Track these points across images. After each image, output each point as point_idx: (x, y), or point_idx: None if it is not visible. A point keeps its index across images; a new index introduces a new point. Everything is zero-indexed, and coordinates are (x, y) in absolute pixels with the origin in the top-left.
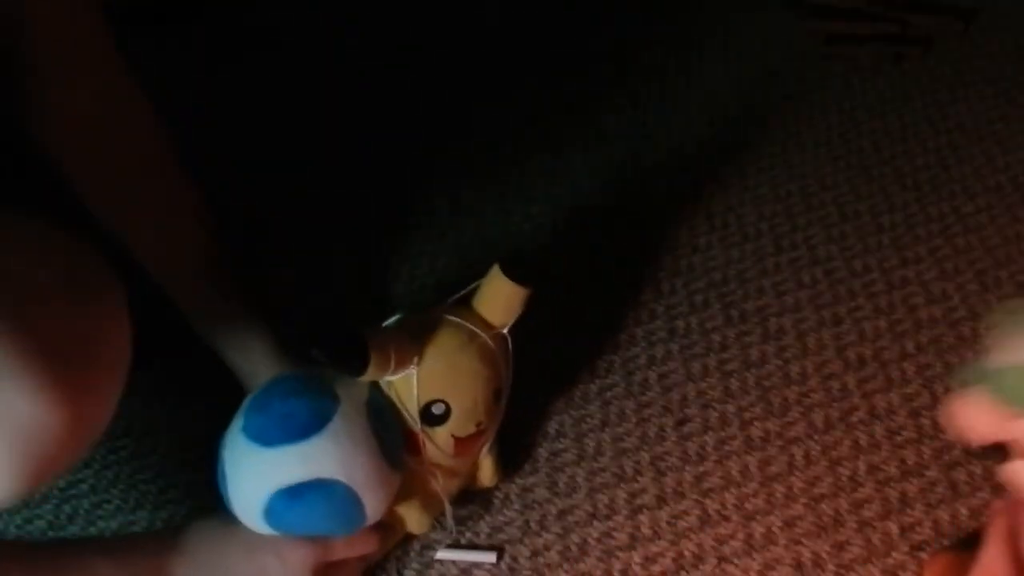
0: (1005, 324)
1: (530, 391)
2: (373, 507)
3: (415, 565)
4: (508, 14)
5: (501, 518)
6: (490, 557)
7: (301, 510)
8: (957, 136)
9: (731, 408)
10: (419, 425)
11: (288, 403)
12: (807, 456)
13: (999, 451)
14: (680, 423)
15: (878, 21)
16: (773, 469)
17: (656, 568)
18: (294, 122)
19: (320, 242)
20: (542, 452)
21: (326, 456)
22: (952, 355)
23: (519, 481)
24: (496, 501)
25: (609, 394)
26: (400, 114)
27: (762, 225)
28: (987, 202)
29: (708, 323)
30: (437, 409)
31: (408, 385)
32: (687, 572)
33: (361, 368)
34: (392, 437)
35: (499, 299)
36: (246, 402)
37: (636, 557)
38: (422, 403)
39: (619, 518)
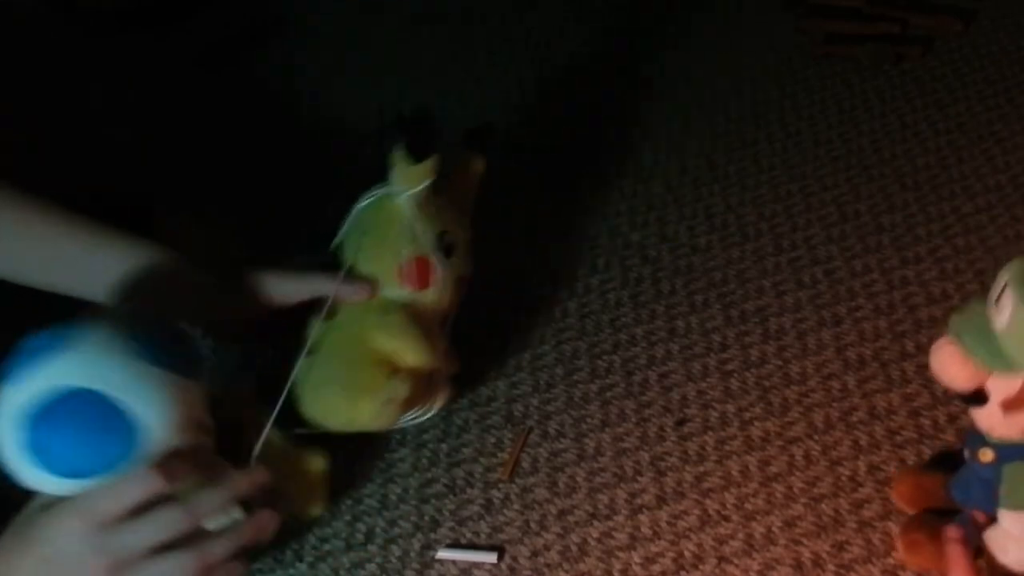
0: (1003, 283)
1: (530, 392)
2: (147, 418)
3: (415, 565)
4: (511, 10)
5: (501, 518)
6: (490, 557)
7: (58, 431)
8: (957, 136)
9: (731, 408)
10: (434, 250)
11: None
12: (807, 456)
13: (975, 397)
14: (680, 423)
15: (878, 21)
16: (773, 469)
17: (656, 568)
18: (294, 120)
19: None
20: (542, 452)
21: (74, 366)
22: None
23: (519, 481)
24: (496, 501)
25: (609, 394)
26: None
27: (762, 225)
28: (987, 202)
29: (708, 323)
30: (448, 240)
31: (431, 206)
32: (687, 572)
33: (429, 151)
34: (158, 337)
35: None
36: None
37: (636, 557)
38: (438, 230)
39: (619, 518)
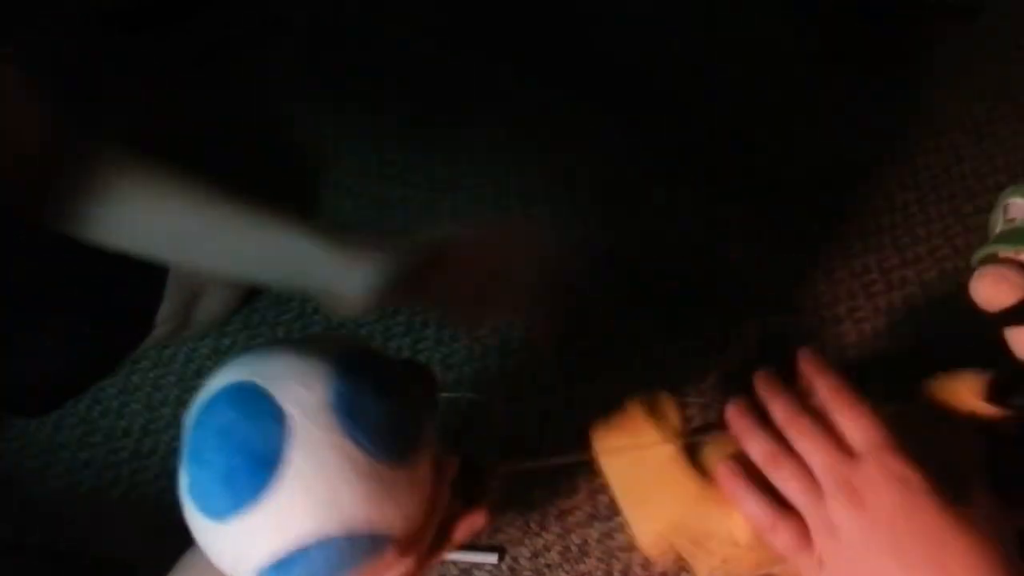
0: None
1: (530, 391)
2: (393, 525)
3: None
4: (504, 8)
5: (502, 518)
6: (491, 558)
7: (310, 564)
8: (957, 136)
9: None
10: None
11: (224, 452)
12: None
13: (1014, 314)
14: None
15: (879, 21)
16: None
17: (656, 568)
18: (289, 121)
19: None
20: (543, 452)
21: (295, 512)
22: None
23: (519, 481)
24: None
25: (609, 394)
26: (398, 114)
27: (762, 225)
28: (987, 202)
29: (708, 323)
30: None
31: None
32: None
33: None
34: (383, 423)
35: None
36: (183, 434)
37: (636, 557)
38: None
39: (619, 519)
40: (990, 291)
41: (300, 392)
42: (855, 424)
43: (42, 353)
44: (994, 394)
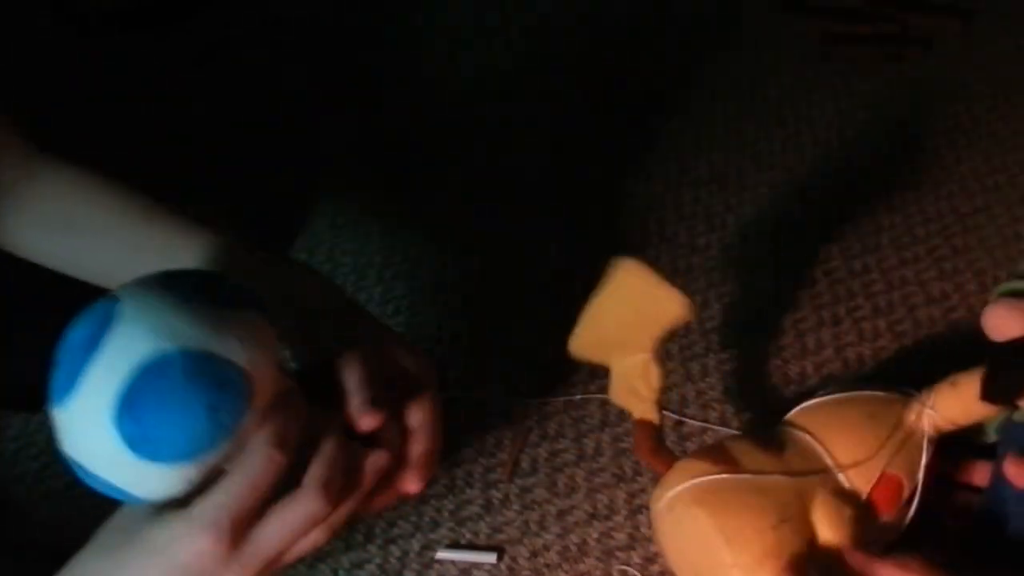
0: None
1: (530, 391)
2: (239, 357)
3: (415, 565)
4: (501, 8)
5: (501, 518)
6: (490, 557)
7: (152, 412)
8: (957, 136)
9: (730, 408)
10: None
11: (62, 349)
12: None
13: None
14: (679, 423)
15: (878, 21)
16: None
17: (656, 568)
18: (289, 119)
19: (313, 243)
20: (542, 452)
21: (125, 345)
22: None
23: (519, 481)
24: (496, 501)
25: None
26: (398, 113)
27: (762, 225)
28: (986, 202)
29: (708, 323)
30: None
31: None
32: None
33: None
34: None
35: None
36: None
37: (636, 557)
38: None
39: (618, 518)
40: (998, 321)
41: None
42: None
43: (41, 350)
44: (988, 392)
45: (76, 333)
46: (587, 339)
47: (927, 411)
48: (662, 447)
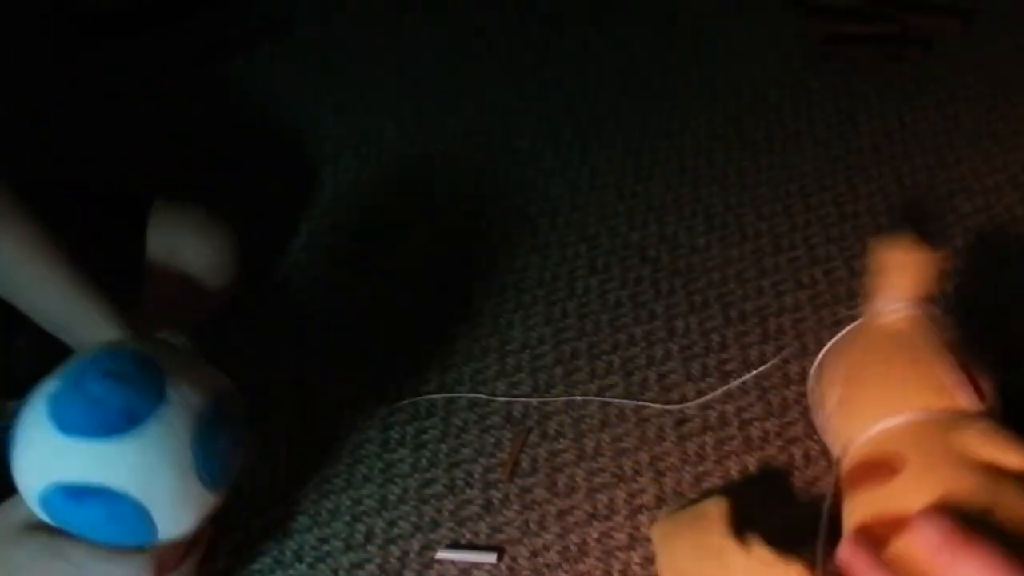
0: None
1: (530, 392)
2: (167, 526)
3: (415, 565)
4: (509, 12)
5: (501, 518)
6: (490, 557)
7: (79, 513)
8: (956, 136)
9: (730, 408)
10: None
11: (104, 386)
12: (806, 456)
13: None
14: (679, 423)
15: (878, 21)
16: (773, 469)
17: (655, 568)
18: (287, 121)
19: (313, 243)
20: (541, 452)
21: (122, 465)
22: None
23: (519, 481)
24: (496, 501)
25: (609, 394)
26: (396, 113)
27: (761, 225)
28: (986, 202)
29: (707, 323)
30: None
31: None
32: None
33: None
34: (219, 455)
35: None
36: (68, 363)
37: (636, 557)
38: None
39: (618, 518)
40: None
41: (188, 387)
42: None
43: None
44: None
45: (117, 400)
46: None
47: None
48: None
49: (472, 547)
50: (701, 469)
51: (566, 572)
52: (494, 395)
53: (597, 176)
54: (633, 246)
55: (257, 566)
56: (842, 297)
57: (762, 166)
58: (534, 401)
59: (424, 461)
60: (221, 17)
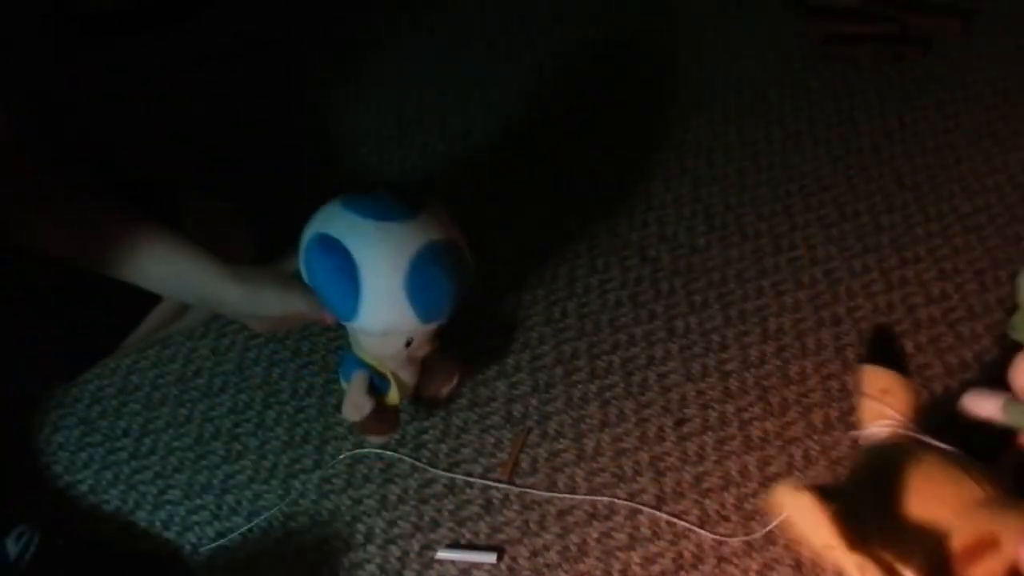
0: None
1: (530, 392)
2: (366, 312)
3: (415, 565)
4: (510, 12)
5: (501, 518)
6: (490, 557)
7: (320, 258)
8: (956, 136)
9: (730, 408)
10: None
11: (376, 194)
12: (806, 456)
13: None
14: (679, 423)
15: (878, 21)
16: (772, 469)
17: (655, 568)
18: (287, 121)
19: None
20: (542, 452)
21: (360, 236)
22: (951, 355)
23: (519, 481)
24: (496, 501)
25: (608, 394)
26: (396, 113)
27: (761, 225)
28: (986, 202)
29: (707, 323)
30: None
31: None
32: (686, 572)
33: None
34: (430, 283)
35: None
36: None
37: (635, 557)
38: None
39: (619, 518)
40: None
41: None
42: None
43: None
44: None
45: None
46: None
47: None
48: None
49: (472, 547)
50: (701, 469)
51: (566, 572)
52: (494, 395)
53: (597, 176)
54: (633, 246)
55: (257, 566)
56: (842, 297)
57: (762, 166)
58: (534, 401)
59: (424, 461)
60: (221, 17)
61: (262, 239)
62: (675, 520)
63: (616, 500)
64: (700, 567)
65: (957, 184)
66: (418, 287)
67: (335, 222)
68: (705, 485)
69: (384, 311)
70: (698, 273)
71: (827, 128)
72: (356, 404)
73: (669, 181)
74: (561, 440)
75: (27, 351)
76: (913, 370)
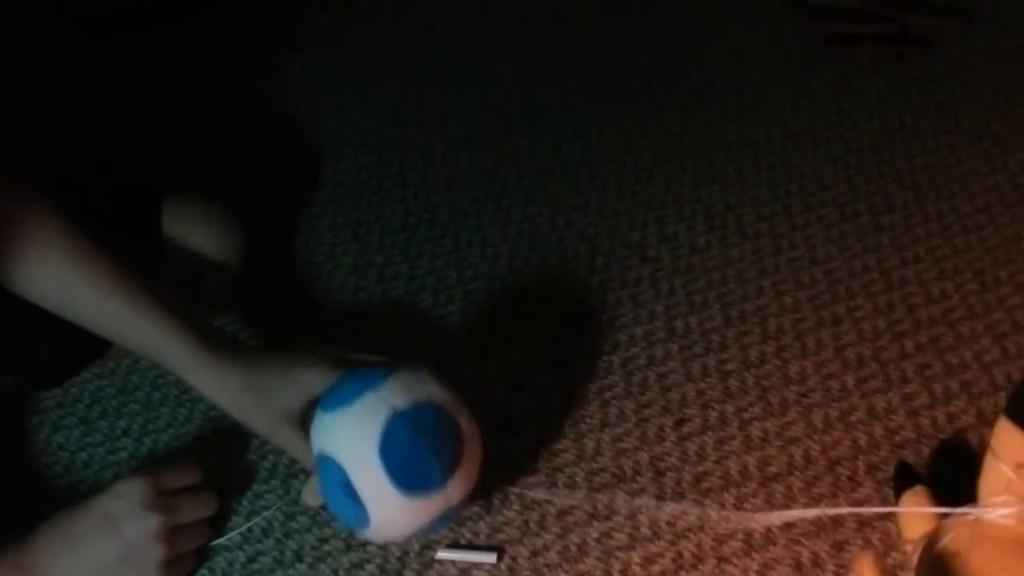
0: None
1: (530, 391)
2: (373, 510)
3: (415, 565)
4: (509, 11)
5: (501, 518)
6: (490, 557)
7: (322, 474)
8: (956, 136)
9: (730, 408)
10: None
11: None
12: (806, 456)
13: None
14: (679, 423)
15: (878, 21)
16: (772, 469)
17: (655, 568)
18: (287, 121)
19: (313, 243)
20: (542, 452)
21: (329, 434)
22: (951, 355)
23: (519, 481)
24: (496, 501)
25: (608, 394)
26: (396, 113)
27: (761, 225)
28: (986, 202)
29: (707, 323)
30: None
31: None
32: (686, 572)
33: None
34: (407, 452)
35: None
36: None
37: (635, 557)
38: None
39: (618, 518)
40: None
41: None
42: None
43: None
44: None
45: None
46: None
47: None
48: None
49: (472, 547)
50: (701, 469)
51: (566, 572)
52: (493, 396)
53: (597, 176)
54: (633, 246)
55: (257, 566)
56: (842, 297)
57: (762, 166)
58: (534, 402)
59: None
60: (221, 17)
61: (262, 239)
62: (675, 520)
63: (616, 500)
64: (700, 567)
65: (957, 184)
66: (398, 462)
67: (319, 432)
68: (705, 485)
69: (389, 515)
70: (698, 273)
71: (827, 128)
72: (316, 491)
73: (669, 181)
74: (561, 440)
75: (18, 351)
76: (913, 370)
